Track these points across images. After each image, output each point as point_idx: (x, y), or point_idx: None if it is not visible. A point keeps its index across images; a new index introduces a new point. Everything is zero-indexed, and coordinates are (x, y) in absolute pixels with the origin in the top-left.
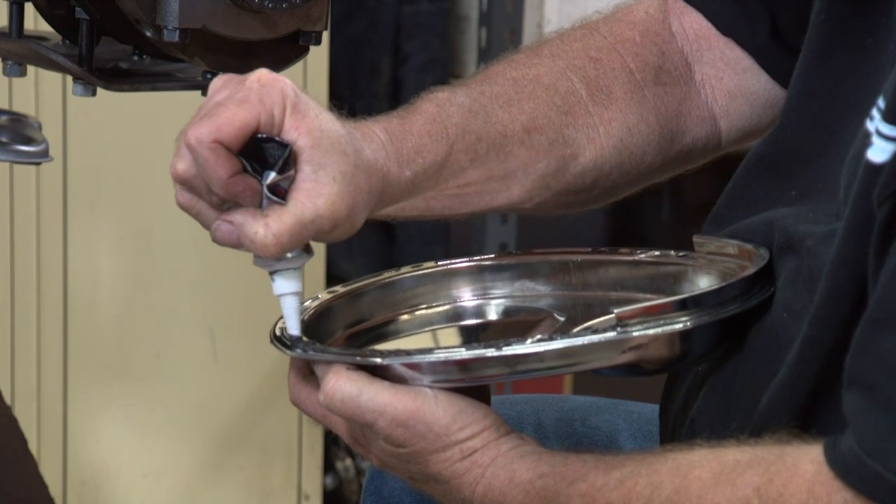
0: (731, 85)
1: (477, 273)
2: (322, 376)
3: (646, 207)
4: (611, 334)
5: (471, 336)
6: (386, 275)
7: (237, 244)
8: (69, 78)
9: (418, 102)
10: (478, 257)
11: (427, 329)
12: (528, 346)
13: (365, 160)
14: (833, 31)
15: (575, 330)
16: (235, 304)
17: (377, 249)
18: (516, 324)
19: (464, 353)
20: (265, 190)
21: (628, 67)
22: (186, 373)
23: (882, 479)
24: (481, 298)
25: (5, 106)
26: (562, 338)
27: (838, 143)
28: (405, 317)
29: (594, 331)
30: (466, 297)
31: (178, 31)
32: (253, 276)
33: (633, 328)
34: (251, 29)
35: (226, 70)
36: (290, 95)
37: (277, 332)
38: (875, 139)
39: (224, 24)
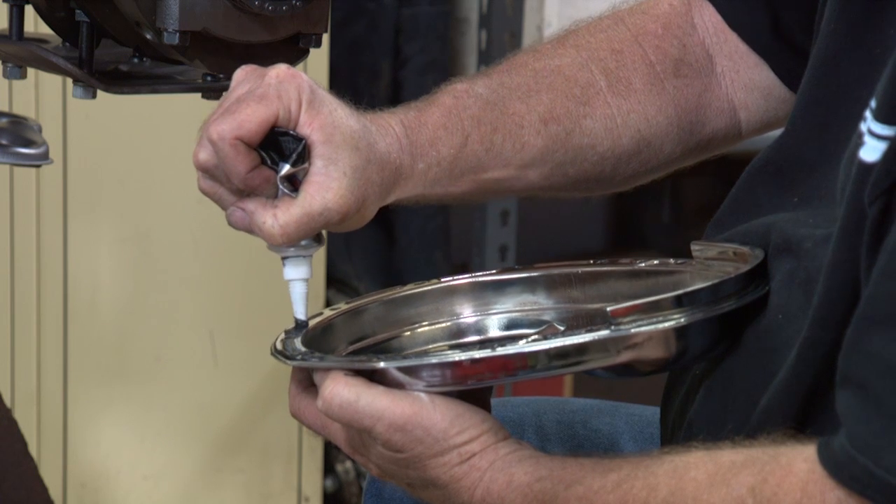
0: (746, 78)
1: (479, 289)
2: (320, 383)
3: (646, 210)
4: (605, 332)
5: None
6: (388, 292)
7: (249, 230)
8: (69, 80)
9: (437, 94)
10: (479, 273)
11: (429, 346)
12: (522, 347)
13: (378, 154)
14: (842, 41)
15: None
16: (235, 306)
17: (377, 252)
18: (517, 337)
19: (459, 356)
20: (278, 181)
21: (649, 60)
22: (186, 375)
23: (873, 476)
24: (483, 314)
25: (5, 108)
26: (555, 337)
27: (842, 151)
28: (407, 334)
29: (588, 329)
30: (468, 313)
31: (178, 34)
32: (253, 279)
33: (628, 325)
34: (251, 31)
35: (226, 72)
36: (306, 91)
37: (278, 346)
38: (867, 139)
39: (224, 27)
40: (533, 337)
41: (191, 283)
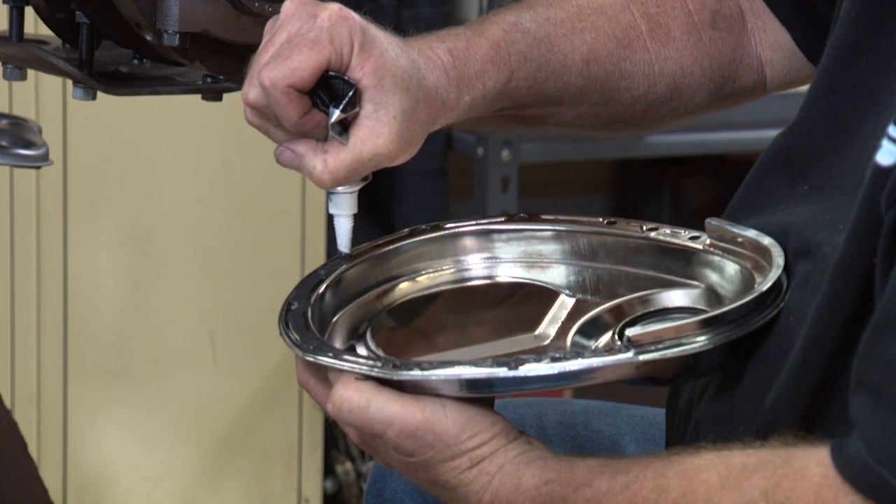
0: (772, 38)
1: (485, 236)
2: (332, 381)
3: (646, 209)
4: (626, 355)
5: (477, 301)
6: (388, 238)
7: (298, 170)
8: (69, 82)
9: (486, 24)
10: (484, 220)
11: (435, 289)
12: (544, 367)
13: (426, 91)
14: (862, 30)
15: (590, 348)
16: (235, 307)
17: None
18: (523, 308)
19: (477, 372)
20: (329, 127)
21: (687, 8)
22: (186, 376)
23: (889, 485)
24: (489, 261)
25: (5, 110)
26: (574, 358)
27: (853, 140)
28: (413, 280)
29: (608, 349)
30: (476, 259)
31: (178, 35)
32: (253, 279)
33: (649, 352)
34: (251, 32)
35: (226, 74)
36: (357, 34)
37: (291, 333)
38: (884, 142)
39: (224, 28)
40: (552, 355)
41: (191, 284)
